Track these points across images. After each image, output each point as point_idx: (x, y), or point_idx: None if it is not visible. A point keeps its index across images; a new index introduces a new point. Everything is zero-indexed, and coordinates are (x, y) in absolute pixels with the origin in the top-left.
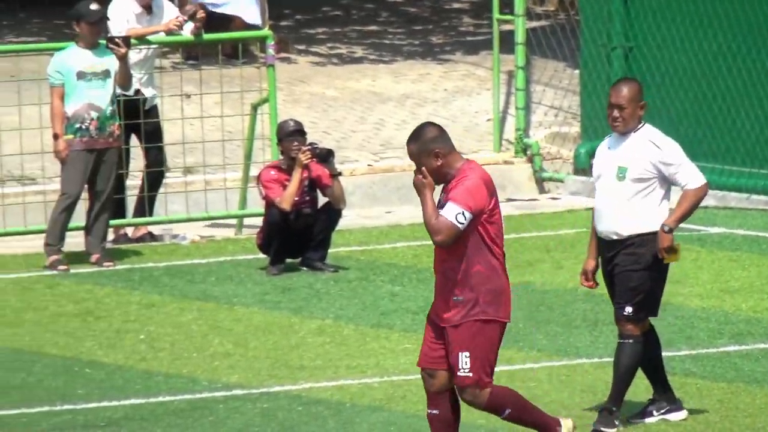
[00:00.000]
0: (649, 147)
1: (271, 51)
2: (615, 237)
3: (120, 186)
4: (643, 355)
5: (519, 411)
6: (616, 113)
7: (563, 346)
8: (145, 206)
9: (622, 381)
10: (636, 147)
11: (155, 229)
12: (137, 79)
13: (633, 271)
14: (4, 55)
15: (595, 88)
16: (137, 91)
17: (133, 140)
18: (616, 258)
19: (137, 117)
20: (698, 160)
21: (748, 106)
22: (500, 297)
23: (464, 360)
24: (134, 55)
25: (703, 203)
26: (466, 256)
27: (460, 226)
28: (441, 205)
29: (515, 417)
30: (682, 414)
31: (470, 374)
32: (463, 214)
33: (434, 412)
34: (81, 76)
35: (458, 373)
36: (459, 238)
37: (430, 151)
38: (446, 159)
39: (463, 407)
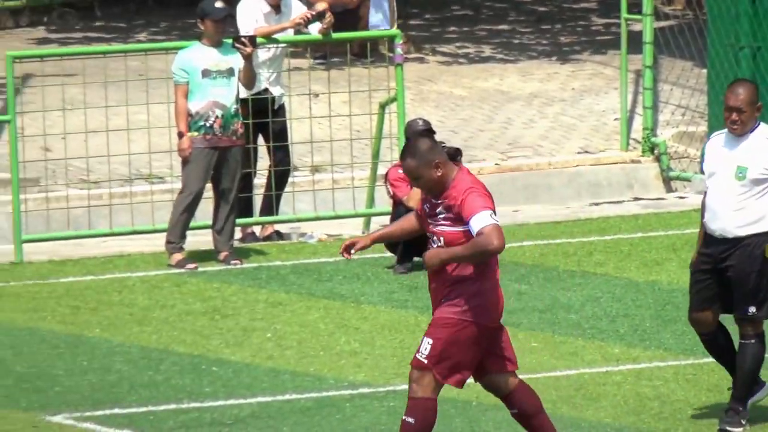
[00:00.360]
0: None
1: (399, 50)
2: (730, 236)
3: (247, 185)
4: (764, 353)
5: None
6: (735, 116)
7: (690, 345)
8: (272, 205)
9: (745, 381)
10: (757, 147)
11: (283, 228)
12: (265, 78)
13: (751, 272)
14: (133, 53)
15: (722, 87)
16: (265, 90)
17: (261, 139)
18: (730, 258)
19: (265, 116)
20: None
21: None
22: (488, 301)
23: (426, 345)
24: (262, 54)
25: None
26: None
27: (498, 222)
28: (447, 217)
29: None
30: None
31: (425, 361)
32: (493, 212)
33: (410, 420)
34: (206, 74)
35: (416, 355)
36: (457, 242)
37: (431, 162)
38: (445, 169)
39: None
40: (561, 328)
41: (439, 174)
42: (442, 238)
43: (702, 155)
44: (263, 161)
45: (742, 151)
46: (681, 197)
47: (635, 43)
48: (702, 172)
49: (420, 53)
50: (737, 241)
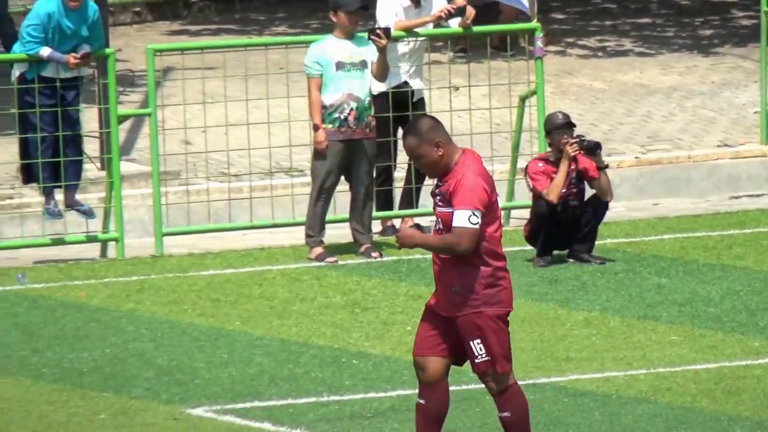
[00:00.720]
0: None
1: (539, 44)
2: None
3: (387, 178)
4: None
5: (516, 421)
6: None
7: None
8: (412, 198)
9: None
10: None
11: (424, 221)
12: (405, 71)
13: None
14: (274, 46)
15: None
16: (405, 83)
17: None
18: None
19: (404, 109)
20: None
21: None
22: (499, 287)
23: (478, 347)
24: (402, 47)
25: None
26: None
27: (476, 227)
28: (443, 199)
29: (511, 424)
30: None
31: (487, 357)
32: (474, 214)
33: (421, 401)
34: (340, 66)
35: (476, 361)
36: (450, 222)
37: (431, 141)
38: (446, 149)
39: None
40: (701, 322)
41: (440, 153)
42: (440, 219)
43: None
44: (403, 154)
45: None
46: None
47: None
48: None
49: (560, 46)
50: None
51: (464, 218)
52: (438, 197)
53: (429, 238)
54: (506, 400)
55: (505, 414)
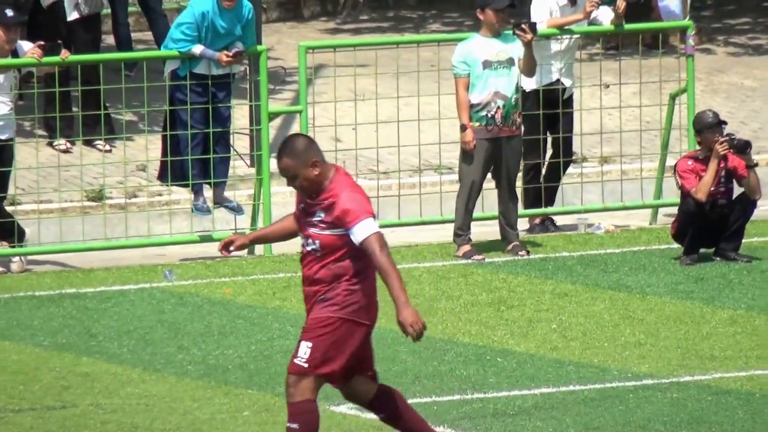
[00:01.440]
0: None
1: (690, 41)
2: None
3: (536, 175)
4: None
5: None
6: None
7: None
8: (554, 197)
9: None
10: None
11: (570, 219)
12: (557, 69)
13: None
14: (425, 44)
15: None
16: (557, 81)
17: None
18: None
19: (554, 107)
20: None
21: None
22: (366, 299)
23: (305, 350)
24: (555, 45)
25: None
26: (336, 259)
27: (380, 230)
28: (323, 222)
29: None
30: None
31: (305, 365)
32: (372, 218)
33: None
34: (487, 65)
35: (294, 359)
36: (333, 245)
37: (308, 161)
38: (322, 168)
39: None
40: None
41: (316, 173)
42: (317, 242)
43: None
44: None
45: None
46: None
47: None
48: None
49: (711, 44)
50: None
51: (369, 228)
52: (317, 218)
53: (395, 285)
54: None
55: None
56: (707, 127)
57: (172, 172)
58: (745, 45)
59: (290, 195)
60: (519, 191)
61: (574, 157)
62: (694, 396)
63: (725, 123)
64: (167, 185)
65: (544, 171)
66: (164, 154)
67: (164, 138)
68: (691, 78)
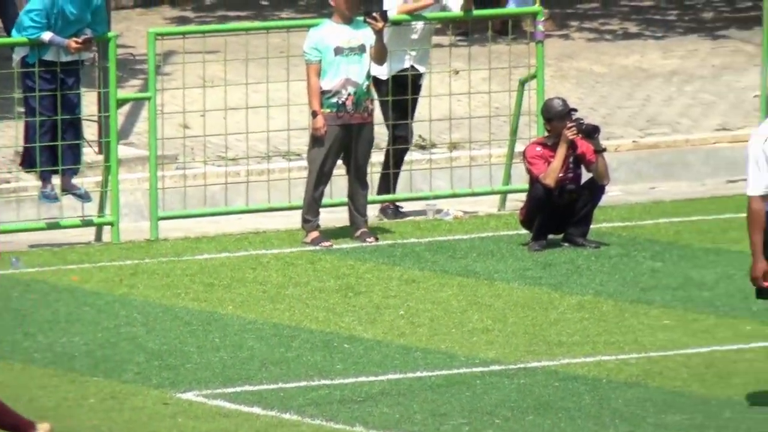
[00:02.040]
0: None
1: (540, 27)
2: None
3: (388, 160)
4: None
5: None
6: None
7: None
8: (389, 183)
9: None
10: None
11: (419, 205)
12: (411, 56)
13: None
14: (275, 30)
15: None
16: (411, 68)
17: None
18: None
19: (403, 92)
20: None
21: None
22: None
23: None
24: (409, 32)
25: None
26: None
27: None
28: None
29: None
30: None
31: None
32: None
33: None
34: (338, 51)
35: None
36: None
37: None
38: None
39: None
40: (694, 306)
41: None
42: None
43: (759, 143)
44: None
45: None
46: None
47: None
48: None
49: (561, 30)
50: None
51: None
52: None
53: None
54: None
55: None
56: (557, 116)
57: (25, 160)
58: (596, 30)
59: (138, 183)
60: (372, 177)
61: (424, 143)
62: (542, 381)
63: (575, 110)
64: (26, 171)
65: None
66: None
67: (26, 125)
68: (541, 64)
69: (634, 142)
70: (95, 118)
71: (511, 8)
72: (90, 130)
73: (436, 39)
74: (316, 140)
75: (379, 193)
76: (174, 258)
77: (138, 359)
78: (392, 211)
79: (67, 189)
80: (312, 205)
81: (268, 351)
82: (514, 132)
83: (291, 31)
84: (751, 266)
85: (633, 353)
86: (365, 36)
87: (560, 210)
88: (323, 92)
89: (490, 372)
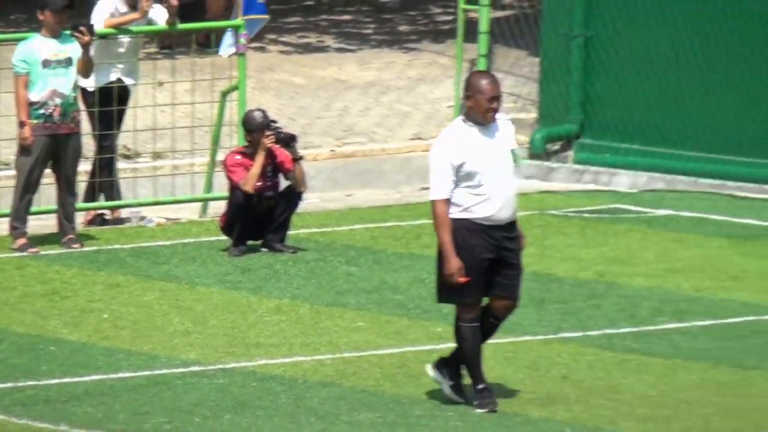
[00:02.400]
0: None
1: (242, 40)
2: (511, 221)
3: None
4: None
5: None
6: (495, 105)
7: (509, 324)
8: (95, 191)
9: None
10: (510, 131)
11: (124, 212)
12: (119, 68)
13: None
14: None
15: (554, 76)
16: (118, 80)
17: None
18: (510, 242)
19: (110, 104)
20: (651, 145)
21: (700, 94)
22: None
23: None
24: (117, 46)
25: (652, 186)
26: None
27: None
28: None
29: None
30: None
31: None
32: None
33: None
34: (46, 64)
35: None
36: None
37: None
38: None
39: None
40: (387, 308)
41: None
42: None
43: (442, 150)
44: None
45: (501, 137)
46: None
47: (473, 32)
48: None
49: (262, 42)
50: (513, 224)
51: None
52: None
53: None
54: None
55: None
56: (257, 127)
57: None
58: (295, 43)
59: None
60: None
61: (128, 153)
62: (240, 381)
63: (274, 122)
64: None
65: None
66: None
67: None
68: (243, 76)
69: (331, 151)
70: None
71: (213, 22)
72: None
73: (143, 51)
74: (23, 150)
75: (86, 201)
76: None
77: None
78: (100, 220)
79: None
80: (20, 213)
81: None
82: (215, 141)
83: (1, 45)
84: (445, 265)
85: (328, 354)
86: (72, 49)
87: (259, 216)
88: (31, 103)
89: (191, 372)
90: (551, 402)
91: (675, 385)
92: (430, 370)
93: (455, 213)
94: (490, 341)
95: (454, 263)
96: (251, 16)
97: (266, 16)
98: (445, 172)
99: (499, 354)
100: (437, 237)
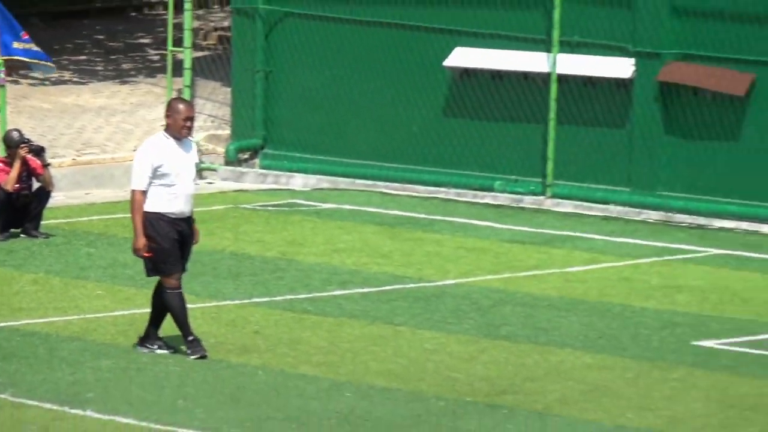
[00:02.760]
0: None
1: (1, 74)
2: (189, 215)
3: None
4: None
5: None
6: (189, 123)
7: (213, 292)
8: None
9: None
10: (194, 149)
11: None
12: None
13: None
14: None
15: (243, 102)
16: None
17: None
18: (187, 230)
19: None
20: (318, 154)
21: (355, 115)
22: None
23: None
24: None
25: (320, 185)
26: None
27: None
28: None
29: None
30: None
31: None
32: None
33: None
34: None
35: None
36: None
37: None
38: None
39: None
40: (119, 280)
41: None
42: None
43: (145, 152)
44: None
45: (190, 151)
46: (209, 182)
47: (179, 68)
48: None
49: (18, 77)
50: (191, 218)
51: None
52: None
53: None
54: None
55: None
56: (14, 144)
57: None
58: (42, 78)
59: None
60: None
61: None
62: (7, 337)
63: (29, 139)
64: None
65: None
66: None
67: None
68: (3, 103)
69: (73, 159)
70: None
71: None
72: None
73: None
74: None
75: None
76: None
77: None
78: None
79: None
80: None
81: None
82: None
83: None
84: (134, 241)
85: (75, 315)
86: None
87: (19, 210)
88: None
89: None
90: (247, 351)
91: (342, 338)
92: (139, 349)
93: (154, 207)
94: (199, 305)
95: (141, 241)
96: (40, 62)
97: (52, 65)
98: (145, 169)
99: (206, 315)
100: (132, 219)
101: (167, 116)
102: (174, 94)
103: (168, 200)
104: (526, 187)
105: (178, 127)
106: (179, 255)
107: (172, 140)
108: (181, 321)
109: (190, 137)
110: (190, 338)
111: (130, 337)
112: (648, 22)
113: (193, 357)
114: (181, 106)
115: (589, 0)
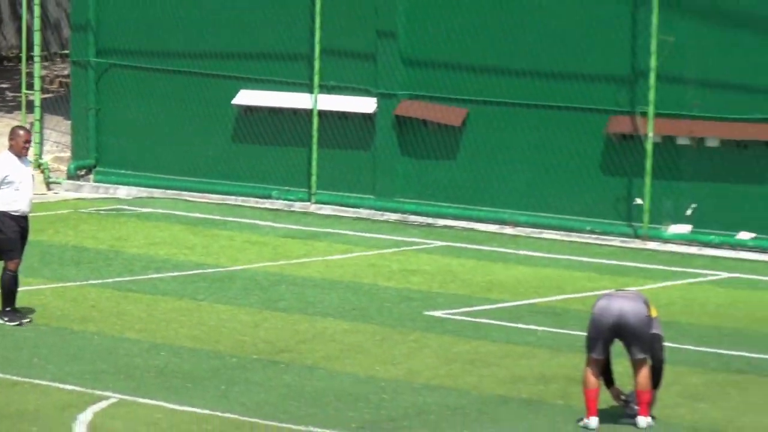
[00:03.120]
0: None
1: None
2: (28, 213)
3: None
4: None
5: None
6: (27, 145)
7: (59, 276)
8: None
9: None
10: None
11: None
12: None
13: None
14: None
15: (80, 131)
16: None
17: None
18: (27, 226)
19: None
20: (139, 171)
21: (172, 142)
22: None
23: None
24: None
25: (140, 195)
26: None
27: None
28: None
29: None
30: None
31: None
32: None
33: None
34: None
35: None
36: None
37: None
38: None
39: None
40: None
41: None
42: None
43: None
44: None
45: (29, 166)
46: (55, 193)
47: (32, 106)
48: None
49: None
50: (28, 217)
51: None
52: None
53: None
54: None
55: None
56: None
57: None
58: None
59: None
60: None
61: None
62: None
63: None
64: None
65: None
66: None
67: None
68: None
69: None
70: None
71: None
72: None
73: None
74: None
75: None
76: None
77: None
78: None
79: None
80: None
81: None
82: None
83: None
84: None
85: None
86: None
87: None
88: None
89: None
90: (85, 321)
91: (158, 311)
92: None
93: (2, 206)
94: (49, 285)
95: None
96: None
97: None
98: None
99: (54, 293)
100: None
101: (10, 140)
102: (28, 127)
103: (14, 202)
104: (296, 195)
105: (19, 148)
106: (22, 245)
107: (14, 157)
108: (7, 296)
109: (27, 156)
110: (8, 309)
111: None
112: (386, 70)
113: (11, 324)
114: (21, 132)
115: (341, 53)
